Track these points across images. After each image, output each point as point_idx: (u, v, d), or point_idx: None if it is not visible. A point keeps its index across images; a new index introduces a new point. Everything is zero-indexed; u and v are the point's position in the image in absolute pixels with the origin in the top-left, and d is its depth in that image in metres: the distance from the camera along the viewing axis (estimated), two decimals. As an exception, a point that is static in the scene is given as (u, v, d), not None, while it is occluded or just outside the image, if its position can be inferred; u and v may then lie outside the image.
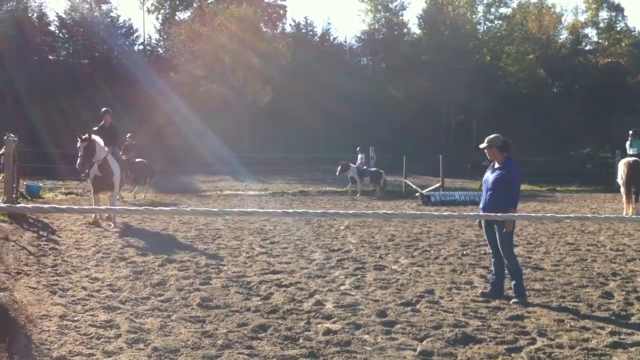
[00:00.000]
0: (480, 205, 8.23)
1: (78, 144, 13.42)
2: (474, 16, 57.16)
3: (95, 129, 14.52)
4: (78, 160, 13.38)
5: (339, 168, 26.20)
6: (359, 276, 9.08)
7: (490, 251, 8.21)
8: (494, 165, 8.06)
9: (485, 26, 57.92)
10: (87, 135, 13.47)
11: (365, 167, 26.56)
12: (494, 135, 8.02)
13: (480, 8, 57.63)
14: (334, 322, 6.66)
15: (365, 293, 8.00)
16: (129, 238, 12.38)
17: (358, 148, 27.51)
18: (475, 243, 12.18)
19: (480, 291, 8.03)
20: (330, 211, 2.53)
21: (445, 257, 10.76)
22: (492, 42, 55.57)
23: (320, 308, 7.25)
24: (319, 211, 2.49)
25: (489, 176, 8.01)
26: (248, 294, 7.92)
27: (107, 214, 14.56)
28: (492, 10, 57.34)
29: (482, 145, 8.08)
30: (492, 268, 8.14)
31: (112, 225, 13.82)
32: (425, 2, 57.34)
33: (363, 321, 6.68)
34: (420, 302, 7.56)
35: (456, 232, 13.97)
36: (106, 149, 14.04)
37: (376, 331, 6.36)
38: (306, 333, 6.30)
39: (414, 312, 7.10)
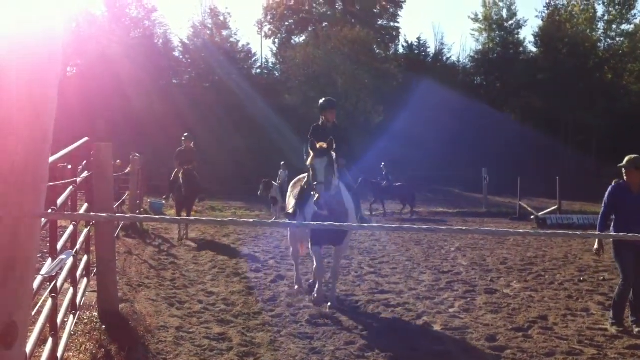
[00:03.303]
0: (615, 231, 7.59)
1: (309, 161, 8.03)
2: (593, 33, 54.97)
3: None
4: (317, 187, 7.70)
5: (261, 187, 22.37)
6: (469, 299, 8.92)
7: (622, 276, 7.62)
8: (628, 188, 7.52)
9: (605, 43, 55.45)
10: (323, 144, 7.95)
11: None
12: (636, 156, 7.55)
13: (601, 25, 55.36)
14: (442, 345, 6.59)
15: (474, 316, 7.86)
16: (244, 255, 12.77)
17: (282, 163, 24.83)
18: (594, 269, 11.66)
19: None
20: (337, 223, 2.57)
21: (561, 282, 10.37)
22: (614, 59, 53.22)
23: (428, 330, 7.20)
24: (326, 222, 2.53)
25: (630, 200, 7.45)
26: (356, 312, 7.98)
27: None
28: (614, 27, 54.90)
29: (621, 165, 7.57)
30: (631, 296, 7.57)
31: (329, 309, 8.06)
32: (542, 20, 55.82)
33: (472, 345, 6.58)
34: (532, 327, 7.33)
35: (573, 256, 13.43)
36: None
37: (485, 355, 6.24)
38: (413, 354, 6.27)
39: (526, 337, 6.89)
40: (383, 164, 26.96)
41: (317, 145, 7.90)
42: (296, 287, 9.28)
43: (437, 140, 43.32)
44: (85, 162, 6.93)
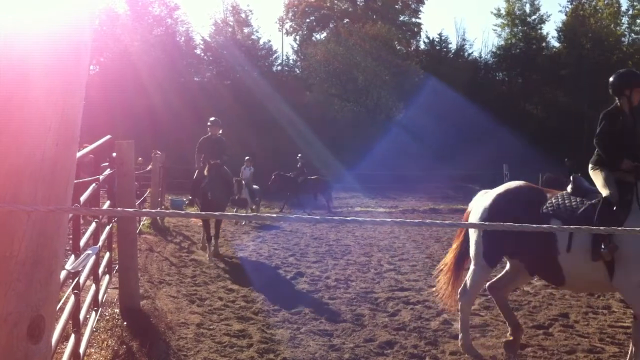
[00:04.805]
0: None
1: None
2: (617, 28, 54.36)
3: None
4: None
5: (235, 187, 18.02)
6: (489, 296, 8.85)
7: None
8: None
9: (630, 38, 54.82)
10: None
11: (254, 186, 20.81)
12: None
13: (625, 19, 54.74)
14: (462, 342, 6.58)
15: (495, 314, 7.82)
16: (263, 252, 12.83)
17: (247, 158, 21.64)
18: (616, 266, 11.55)
19: None
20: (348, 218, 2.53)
21: (582, 280, 10.29)
22: (638, 54, 52.63)
23: (448, 327, 7.20)
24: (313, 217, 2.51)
25: None
26: (375, 310, 8.00)
27: None
28: (638, 21, 54.24)
29: None
30: None
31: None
32: (566, 15, 55.30)
33: (492, 342, 6.56)
34: (553, 325, 7.30)
35: (595, 254, 13.31)
36: None
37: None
38: (433, 352, 6.27)
39: (546, 335, 6.87)
40: (299, 155, 25.56)
41: None
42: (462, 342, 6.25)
43: (456, 137, 43.04)
44: (92, 155, 6.81)
